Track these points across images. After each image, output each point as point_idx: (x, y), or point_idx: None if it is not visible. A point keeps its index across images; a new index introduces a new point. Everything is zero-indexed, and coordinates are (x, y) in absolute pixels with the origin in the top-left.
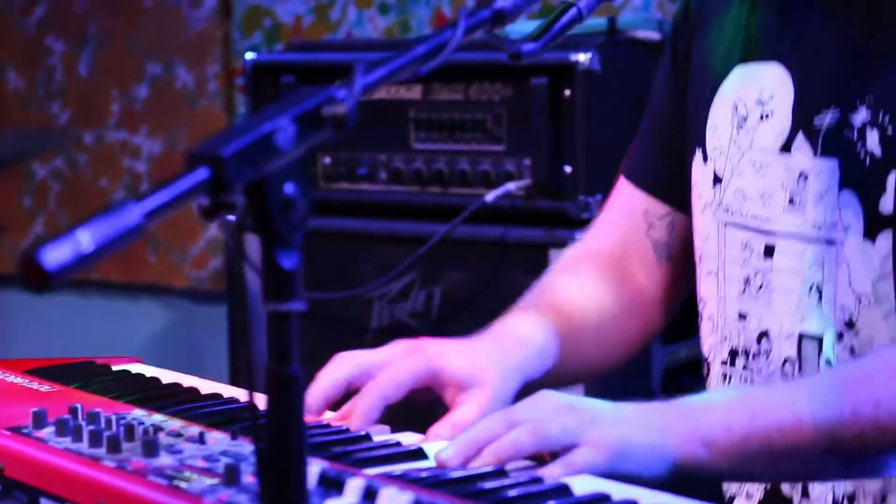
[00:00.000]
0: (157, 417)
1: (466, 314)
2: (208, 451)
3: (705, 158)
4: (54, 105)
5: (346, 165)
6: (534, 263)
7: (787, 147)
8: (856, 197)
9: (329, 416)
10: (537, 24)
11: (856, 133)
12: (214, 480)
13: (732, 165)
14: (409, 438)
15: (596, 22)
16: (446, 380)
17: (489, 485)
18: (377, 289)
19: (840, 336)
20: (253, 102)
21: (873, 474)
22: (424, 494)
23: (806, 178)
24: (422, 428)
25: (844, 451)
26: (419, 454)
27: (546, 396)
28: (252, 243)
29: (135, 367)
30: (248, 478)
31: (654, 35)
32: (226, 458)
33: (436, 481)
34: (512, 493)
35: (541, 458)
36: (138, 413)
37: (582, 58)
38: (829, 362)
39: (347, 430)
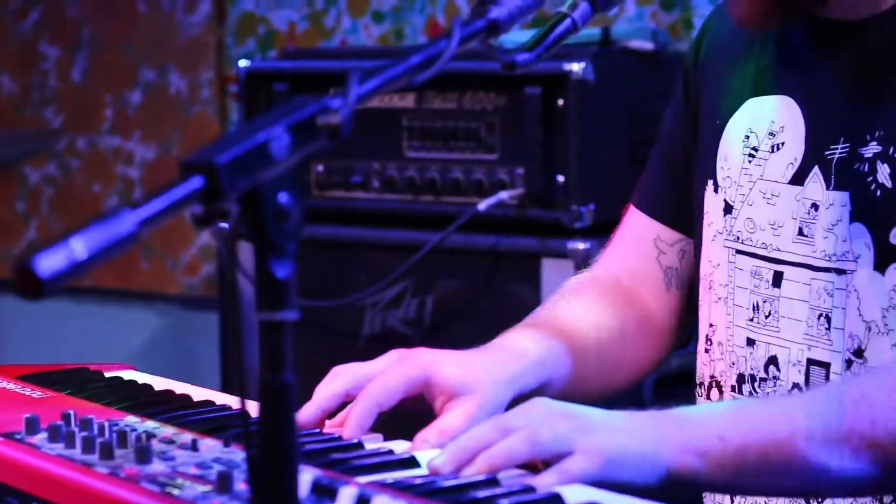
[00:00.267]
0: (150, 424)
1: (458, 322)
2: (201, 459)
3: (716, 188)
4: (48, 110)
5: (340, 173)
6: (526, 272)
7: (798, 178)
8: (866, 229)
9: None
10: (532, 33)
11: (867, 166)
12: (207, 487)
13: (743, 195)
14: (401, 446)
15: (590, 32)
16: (438, 388)
17: (481, 493)
18: (370, 296)
19: (849, 363)
20: (246, 110)
21: (868, 492)
22: (417, 502)
23: (817, 208)
24: (414, 437)
25: (840, 467)
26: (411, 462)
27: (539, 403)
28: (245, 250)
29: (127, 374)
30: (241, 485)
31: (647, 45)
32: (218, 465)
33: (428, 489)
34: (504, 501)
35: (532, 466)
36: (131, 420)
37: (575, 67)
38: None
39: (340, 438)
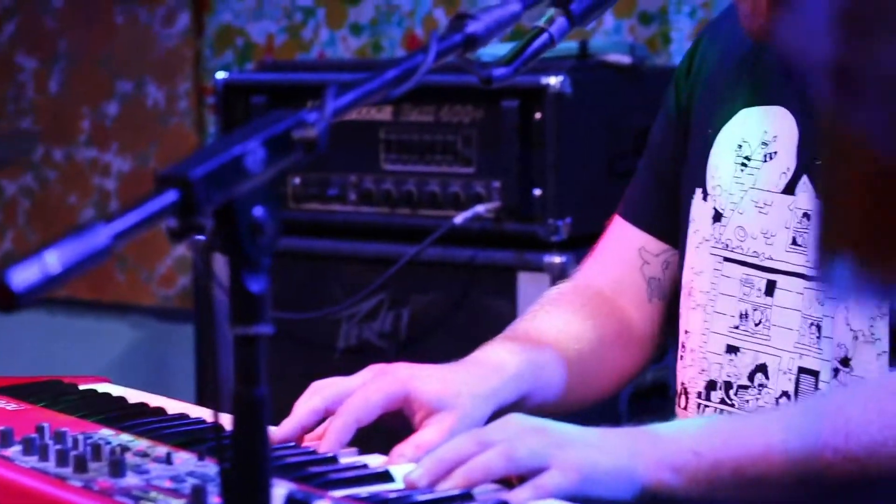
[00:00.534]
0: (125, 437)
1: (434, 335)
2: (175, 472)
3: (705, 196)
4: (25, 121)
5: (316, 186)
6: (502, 286)
7: (790, 188)
8: None
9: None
10: (509, 47)
11: None
12: (181, 501)
13: (734, 203)
14: (376, 461)
15: (567, 45)
16: (417, 403)
17: None
18: (345, 309)
19: (836, 372)
20: (224, 122)
21: None
22: None
23: (809, 218)
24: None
25: (816, 481)
26: (386, 476)
27: (514, 419)
28: (220, 261)
29: (102, 387)
30: (215, 499)
31: (625, 59)
32: (192, 478)
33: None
34: None
35: (507, 481)
36: (105, 433)
37: (553, 81)
38: None
39: (314, 452)
